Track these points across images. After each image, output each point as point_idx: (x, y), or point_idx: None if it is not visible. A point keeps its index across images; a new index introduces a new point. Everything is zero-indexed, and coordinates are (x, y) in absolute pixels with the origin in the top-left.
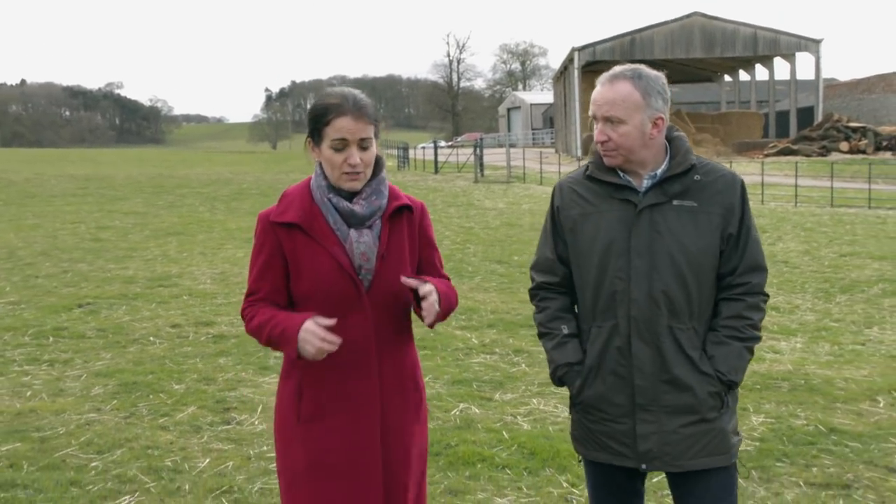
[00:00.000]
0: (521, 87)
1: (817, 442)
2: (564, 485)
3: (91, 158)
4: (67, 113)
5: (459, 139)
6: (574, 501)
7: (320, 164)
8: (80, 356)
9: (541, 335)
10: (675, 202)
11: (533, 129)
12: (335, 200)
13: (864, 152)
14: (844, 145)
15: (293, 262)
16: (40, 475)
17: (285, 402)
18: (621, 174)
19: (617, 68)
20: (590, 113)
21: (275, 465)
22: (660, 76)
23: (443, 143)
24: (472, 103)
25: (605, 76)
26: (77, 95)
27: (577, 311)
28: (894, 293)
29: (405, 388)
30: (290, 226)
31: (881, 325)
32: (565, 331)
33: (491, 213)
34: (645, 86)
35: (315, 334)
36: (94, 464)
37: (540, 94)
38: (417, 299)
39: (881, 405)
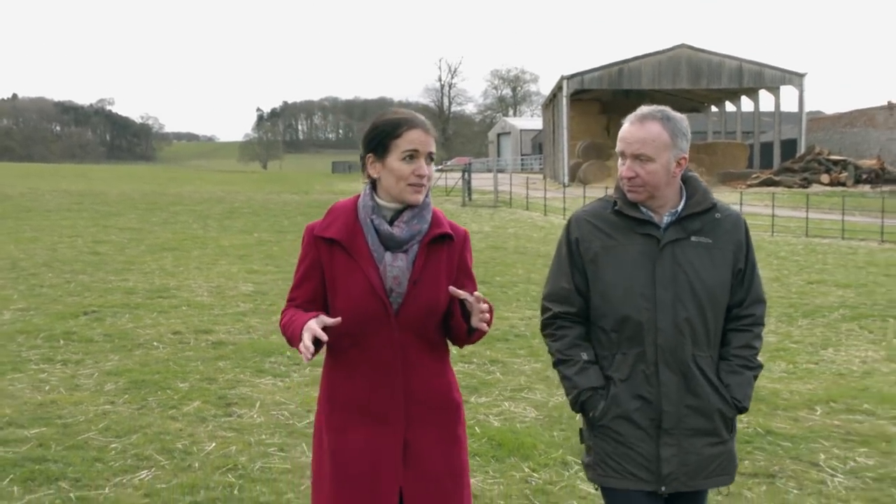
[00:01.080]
0: (511, 112)
1: (753, 441)
2: (526, 469)
3: (83, 174)
4: (58, 128)
5: (449, 163)
6: (533, 483)
7: (372, 183)
8: (90, 357)
9: (559, 362)
10: (693, 238)
11: (522, 155)
12: (377, 222)
13: (844, 185)
14: (825, 178)
15: (330, 276)
16: (67, 453)
17: (320, 411)
18: (644, 210)
19: (645, 109)
20: (617, 150)
21: (273, 449)
22: (684, 118)
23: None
24: (462, 128)
25: (634, 115)
26: (68, 111)
27: (592, 340)
28: (853, 318)
29: (433, 406)
30: (331, 241)
31: (836, 346)
32: (584, 357)
33: (477, 235)
34: (673, 127)
35: (303, 340)
36: (113, 445)
37: (530, 120)
38: (465, 314)
39: (818, 413)
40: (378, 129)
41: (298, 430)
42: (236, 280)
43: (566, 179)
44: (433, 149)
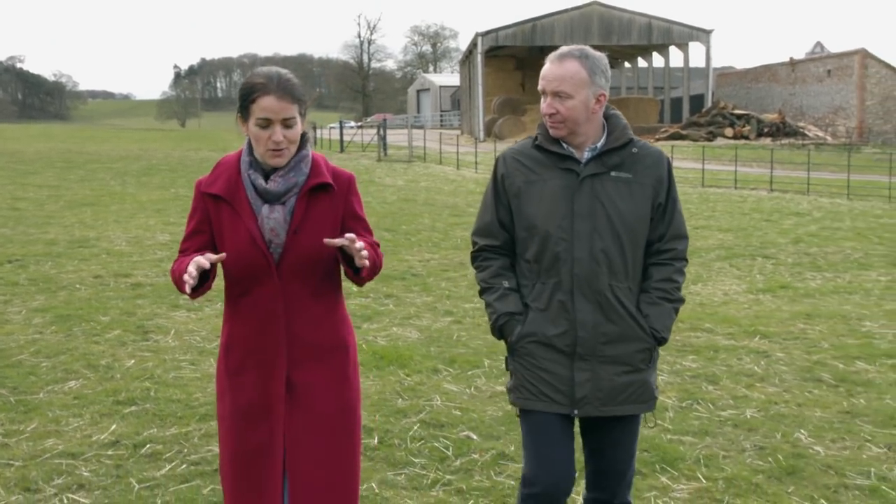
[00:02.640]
0: (431, 68)
1: None
2: (401, 374)
3: None
4: None
5: (368, 120)
6: (405, 384)
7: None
8: (17, 298)
9: (483, 291)
10: (612, 173)
11: (442, 111)
12: (253, 177)
13: (747, 138)
14: (729, 131)
15: (217, 230)
16: (2, 370)
17: (220, 356)
18: (565, 146)
19: (565, 48)
20: (539, 88)
21: (185, 363)
22: (603, 57)
23: (352, 124)
24: (383, 84)
25: (554, 55)
26: None
27: (516, 271)
28: (726, 258)
29: (321, 348)
30: (216, 197)
31: (705, 282)
32: (506, 285)
33: (389, 189)
34: (591, 65)
35: (188, 269)
36: (43, 364)
37: (449, 77)
38: (348, 259)
39: None
40: (240, 92)
41: (208, 350)
42: (153, 231)
43: (481, 135)
44: (291, 114)
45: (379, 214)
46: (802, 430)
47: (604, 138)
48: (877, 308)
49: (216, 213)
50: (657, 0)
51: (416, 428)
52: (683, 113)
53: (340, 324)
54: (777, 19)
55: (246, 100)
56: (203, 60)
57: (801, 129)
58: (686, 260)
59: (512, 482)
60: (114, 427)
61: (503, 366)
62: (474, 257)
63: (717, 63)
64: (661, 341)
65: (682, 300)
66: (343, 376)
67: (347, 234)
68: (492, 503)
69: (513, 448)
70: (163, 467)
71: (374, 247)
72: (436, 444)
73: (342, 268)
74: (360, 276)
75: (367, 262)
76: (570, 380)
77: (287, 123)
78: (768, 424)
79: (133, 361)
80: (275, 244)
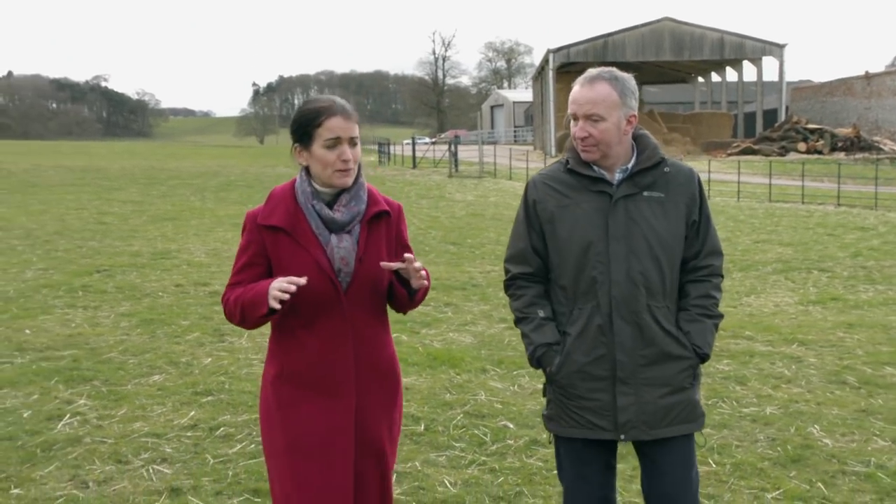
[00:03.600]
0: (506, 84)
1: None
2: (451, 373)
3: (83, 151)
4: (54, 105)
5: (442, 136)
6: (454, 381)
7: (306, 169)
8: (106, 304)
9: (518, 320)
10: (645, 193)
11: (515, 127)
12: (318, 207)
13: (820, 153)
14: (802, 146)
15: (276, 262)
16: (95, 365)
17: (268, 388)
18: (596, 168)
19: (593, 71)
20: (569, 112)
21: (256, 361)
22: (631, 78)
23: (426, 140)
24: (458, 100)
25: (583, 78)
26: (64, 88)
27: (551, 297)
28: (783, 271)
29: (381, 375)
30: (275, 229)
31: (759, 294)
32: (541, 315)
33: (459, 204)
34: (621, 87)
35: (278, 284)
36: (131, 361)
37: (523, 93)
38: (401, 280)
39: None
40: (300, 120)
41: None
42: (231, 244)
43: (553, 150)
44: (355, 133)
45: (446, 229)
46: (816, 426)
47: (634, 159)
48: None
49: (273, 245)
50: (731, 14)
51: (459, 418)
52: (757, 127)
53: (392, 350)
54: (856, 32)
55: (310, 125)
56: (281, 78)
57: (877, 144)
58: (722, 276)
59: (540, 463)
60: (192, 413)
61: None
62: (508, 285)
63: (793, 77)
64: (704, 358)
65: (721, 316)
66: (394, 402)
67: (406, 255)
68: (520, 480)
69: (544, 435)
70: (234, 446)
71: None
72: (475, 432)
73: (394, 293)
74: (413, 299)
75: (425, 282)
76: (612, 405)
77: (353, 142)
78: (785, 420)
79: (210, 359)
80: (344, 273)
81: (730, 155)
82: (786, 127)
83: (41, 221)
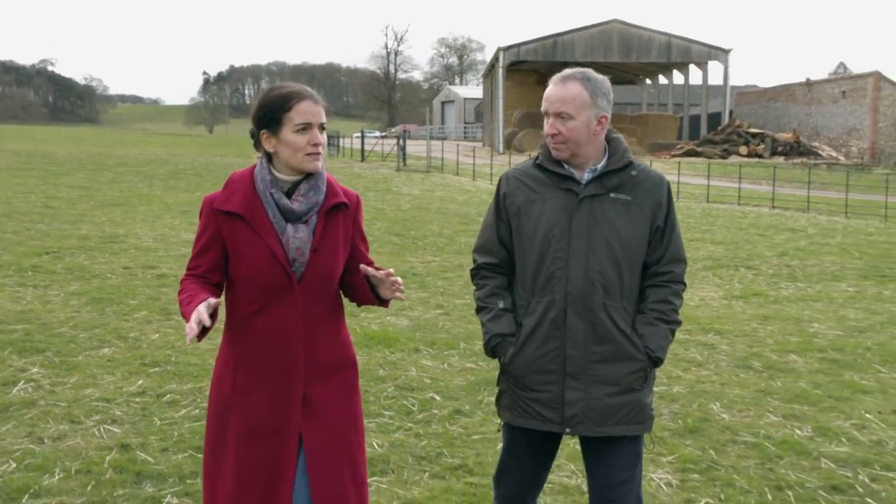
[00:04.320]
0: (458, 80)
1: None
2: (386, 352)
3: (28, 136)
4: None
5: (392, 130)
6: (388, 359)
7: (267, 157)
8: (55, 283)
9: (478, 309)
10: (612, 195)
11: (466, 123)
12: (276, 196)
13: (761, 156)
14: (744, 149)
15: (232, 247)
16: (47, 338)
17: (224, 372)
18: (566, 166)
19: (568, 71)
20: (542, 109)
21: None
22: (605, 80)
23: (377, 134)
24: (409, 95)
25: (557, 76)
26: (9, 70)
27: (514, 289)
28: (711, 268)
29: (333, 366)
30: (232, 214)
31: (688, 288)
32: (500, 305)
33: (405, 197)
34: (593, 87)
35: (189, 325)
36: (81, 335)
37: (474, 89)
38: (372, 286)
39: None
40: (269, 105)
41: (221, 329)
42: (178, 230)
43: (501, 147)
44: (324, 119)
45: (391, 220)
46: (717, 403)
47: (605, 160)
48: (832, 314)
49: (230, 231)
50: (679, 19)
51: (390, 390)
52: (701, 130)
53: (347, 340)
54: (803, 38)
55: (280, 109)
56: (232, 67)
57: (815, 149)
58: (684, 283)
59: (461, 430)
60: (140, 382)
61: (476, 349)
62: (473, 274)
63: (741, 81)
64: (657, 361)
65: (678, 322)
66: (352, 391)
67: (389, 270)
68: (442, 444)
69: (468, 407)
70: (179, 411)
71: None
72: (404, 402)
73: (355, 291)
74: (380, 304)
75: (402, 297)
76: (560, 399)
77: (322, 127)
78: (689, 397)
79: (157, 335)
80: (298, 262)
81: (673, 156)
82: (728, 130)
83: None
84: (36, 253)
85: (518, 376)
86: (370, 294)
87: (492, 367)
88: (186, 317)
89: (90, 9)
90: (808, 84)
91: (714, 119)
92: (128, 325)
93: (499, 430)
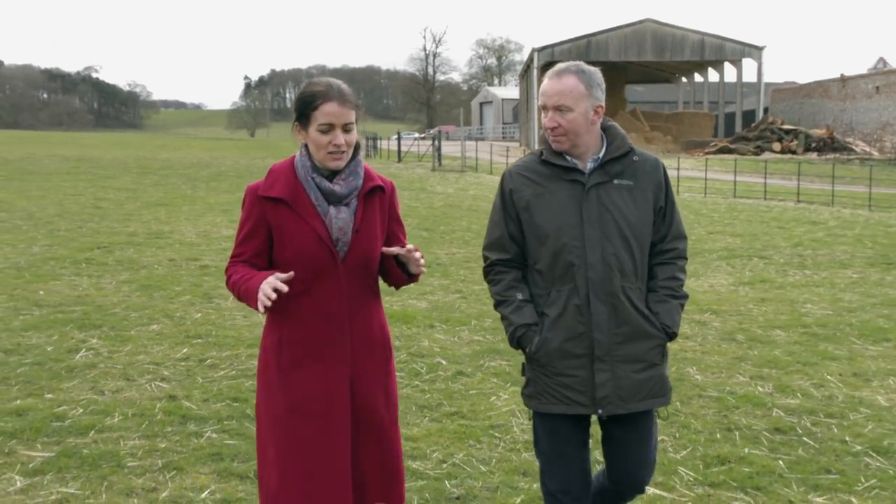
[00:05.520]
0: (496, 81)
1: None
2: (404, 328)
3: (75, 141)
4: (45, 95)
5: (431, 132)
6: (406, 334)
7: (305, 146)
8: (107, 273)
9: (498, 304)
10: (615, 181)
11: (504, 123)
12: (318, 180)
13: (794, 152)
14: (777, 146)
15: (277, 232)
16: (102, 317)
17: (269, 352)
18: (569, 158)
19: (561, 65)
20: (539, 104)
21: (240, 317)
22: (597, 71)
23: (416, 135)
24: (448, 96)
25: (552, 71)
26: (55, 78)
27: (528, 281)
28: (726, 258)
29: (373, 343)
30: (275, 200)
31: (698, 277)
32: (520, 297)
33: (439, 196)
34: (588, 79)
35: (266, 288)
36: (133, 314)
37: (512, 90)
38: (400, 264)
39: None
40: (300, 101)
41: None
42: (220, 227)
43: (536, 146)
44: (350, 119)
45: (422, 217)
46: (694, 367)
47: (604, 149)
48: (829, 297)
49: (275, 216)
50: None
51: (403, 356)
52: (736, 128)
53: (384, 321)
54: (843, 34)
55: (307, 107)
56: (273, 72)
57: (849, 145)
58: (686, 258)
59: (461, 386)
60: (185, 350)
61: (486, 325)
62: (487, 271)
63: (780, 78)
64: (672, 336)
65: (686, 296)
66: (387, 370)
67: (409, 246)
68: (443, 397)
69: (470, 369)
70: (219, 372)
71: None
72: (414, 366)
73: (389, 271)
74: (410, 280)
75: (424, 270)
76: (590, 381)
77: (347, 128)
78: (670, 363)
79: (200, 314)
80: (342, 243)
81: (707, 153)
82: (762, 127)
83: (41, 205)
84: (88, 248)
85: (546, 363)
86: (400, 272)
87: (498, 338)
88: (251, 290)
89: (133, 16)
90: (843, 80)
91: (749, 116)
92: (173, 306)
93: (530, 419)
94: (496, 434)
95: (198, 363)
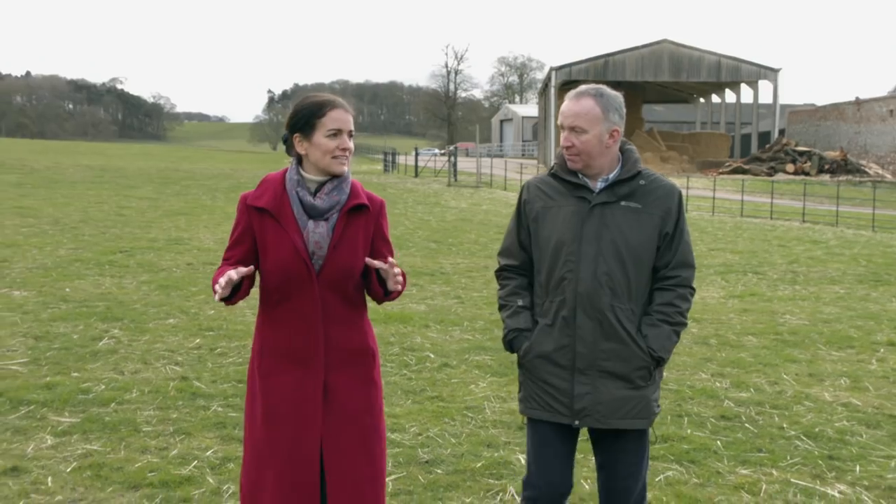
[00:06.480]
0: (518, 99)
1: None
2: (400, 327)
3: (100, 151)
4: (71, 106)
5: (451, 148)
6: (401, 333)
7: (297, 159)
8: (129, 275)
9: (500, 307)
10: (622, 203)
11: (524, 141)
12: (301, 194)
13: (807, 174)
14: (790, 167)
15: (261, 240)
16: (124, 311)
17: (254, 359)
18: (580, 176)
19: (582, 87)
20: (558, 123)
21: (249, 314)
22: (618, 96)
23: (436, 151)
24: (469, 113)
25: (572, 93)
26: (81, 89)
27: (534, 289)
28: (722, 273)
29: (353, 352)
30: (262, 210)
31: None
32: (520, 303)
33: (452, 210)
34: (605, 103)
35: (218, 281)
36: (151, 310)
37: (533, 108)
38: (381, 280)
39: None
40: (304, 111)
41: None
42: None
43: (553, 164)
44: (352, 126)
45: (433, 230)
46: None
47: (617, 170)
48: (810, 309)
49: (260, 225)
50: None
51: (395, 350)
52: (752, 149)
53: (367, 330)
54: (863, 56)
55: (313, 116)
56: (296, 86)
57: (863, 168)
58: (692, 288)
59: (445, 376)
60: (198, 340)
61: (478, 326)
62: (497, 275)
63: (798, 100)
64: (659, 361)
65: (684, 324)
66: (370, 378)
67: (390, 260)
68: (426, 384)
69: (455, 363)
70: (228, 359)
71: (402, 275)
72: (405, 358)
73: (370, 285)
74: (388, 297)
75: (399, 287)
76: (569, 392)
77: (350, 134)
78: None
79: (213, 311)
80: (317, 256)
81: (720, 174)
82: (776, 148)
83: (66, 212)
84: (111, 251)
85: (531, 369)
86: (380, 288)
87: (486, 337)
88: (213, 282)
89: (159, 29)
90: (858, 103)
91: (764, 137)
92: (189, 304)
93: (523, 425)
94: (469, 414)
95: (209, 351)
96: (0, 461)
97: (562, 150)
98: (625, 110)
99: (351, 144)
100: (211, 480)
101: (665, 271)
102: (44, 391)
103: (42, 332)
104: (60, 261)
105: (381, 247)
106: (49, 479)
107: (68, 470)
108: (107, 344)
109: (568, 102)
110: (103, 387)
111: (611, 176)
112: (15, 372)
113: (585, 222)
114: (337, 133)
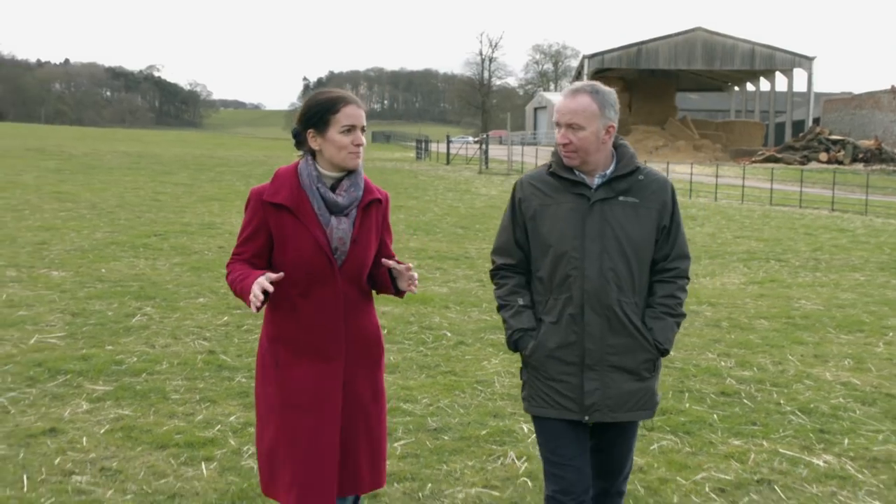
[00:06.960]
0: (553, 87)
1: None
2: (421, 307)
3: (137, 138)
4: (109, 93)
5: (485, 136)
6: (420, 312)
7: (311, 154)
8: (162, 257)
9: (500, 307)
10: (620, 198)
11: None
12: (322, 190)
13: (841, 163)
14: (823, 156)
15: (279, 237)
16: (156, 291)
17: (266, 348)
18: (577, 173)
19: (577, 84)
20: (553, 120)
21: None
22: (612, 92)
23: (470, 139)
24: (503, 101)
25: (567, 90)
26: (119, 77)
27: (531, 287)
28: (745, 260)
29: (367, 343)
30: (279, 206)
31: (714, 276)
32: (521, 302)
33: (482, 197)
34: (601, 99)
35: (256, 289)
36: (183, 289)
37: None
38: (392, 278)
39: None
40: (318, 107)
41: None
42: None
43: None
44: (364, 121)
45: (461, 216)
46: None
47: (613, 166)
48: (827, 295)
49: (277, 222)
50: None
51: (413, 329)
52: (786, 137)
53: (375, 321)
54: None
55: (328, 112)
56: (331, 73)
57: None
58: (688, 278)
59: (459, 353)
60: (225, 318)
61: (496, 306)
62: (493, 275)
63: (835, 88)
64: (664, 352)
65: (683, 315)
66: (376, 367)
67: (407, 265)
68: (441, 360)
69: (471, 341)
70: (254, 335)
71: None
72: (422, 336)
73: (377, 280)
74: (397, 295)
75: (414, 290)
76: (579, 388)
77: (363, 129)
78: None
79: None
80: (340, 251)
81: (753, 162)
82: (809, 137)
83: (103, 197)
84: (145, 235)
85: (539, 367)
86: (390, 284)
87: None
88: (246, 289)
89: (196, 17)
90: (893, 91)
91: (799, 126)
92: (218, 284)
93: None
94: (479, 388)
95: (236, 328)
96: (39, 423)
97: (558, 146)
98: (619, 105)
99: (363, 139)
100: (232, 442)
101: (664, 263)
102: (80, 362)
103: (79, 310)
104: (97, 243)
105: (386, 239)
106: (84, 438)
107: (101, 432)
108: (139, 320)
109: (564, 99)
110: (135, 359)
111: (607, 172)
112: (53, 345)
113: (587, 219)
114: (351, 129)
